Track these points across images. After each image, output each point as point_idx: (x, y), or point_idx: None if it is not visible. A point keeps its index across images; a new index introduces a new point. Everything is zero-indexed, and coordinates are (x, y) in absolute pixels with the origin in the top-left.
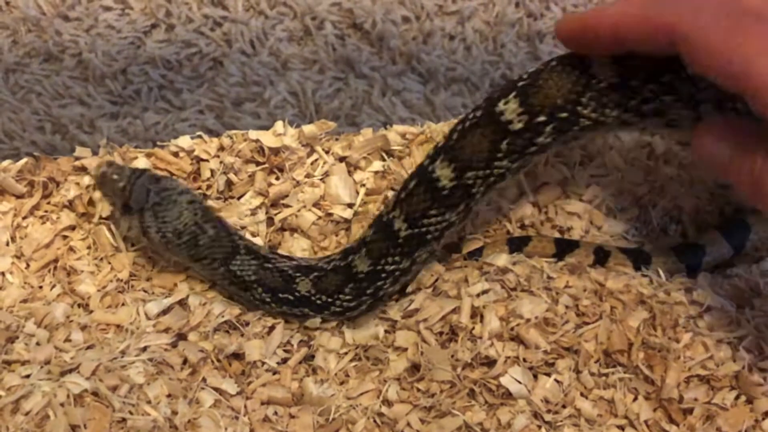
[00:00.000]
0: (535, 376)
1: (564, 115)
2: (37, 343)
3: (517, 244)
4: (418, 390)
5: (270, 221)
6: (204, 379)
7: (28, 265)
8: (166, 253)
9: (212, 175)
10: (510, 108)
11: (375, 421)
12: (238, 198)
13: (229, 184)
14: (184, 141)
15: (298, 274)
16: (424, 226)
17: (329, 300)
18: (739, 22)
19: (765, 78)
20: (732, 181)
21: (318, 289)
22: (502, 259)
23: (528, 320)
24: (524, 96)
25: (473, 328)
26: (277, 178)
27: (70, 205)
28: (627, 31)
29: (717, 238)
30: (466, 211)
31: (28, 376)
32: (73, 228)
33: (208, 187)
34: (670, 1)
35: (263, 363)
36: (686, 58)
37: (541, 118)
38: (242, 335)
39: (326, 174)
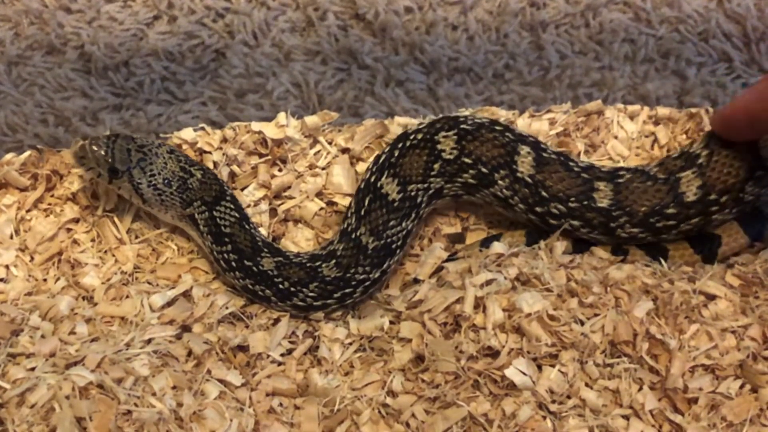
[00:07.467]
0: (540, 367)
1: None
2: (42, 336)
3: (535, 237)
4: (423, 381)
5: (273, 212)
6: (209, 371)
7: (32, 258)
8: (161, 208)
9: (215, 167)
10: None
11: (380, 411)
12: (242, 189)
13: (233, 175)
14: (187, 133)
15: (265, 250)
16: (388, 237)
17: (292, 289)
18: None
19: None
20: None
21: (280, 273)
22: (506, 250)
23: (532, 311)
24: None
25: (476, 319)
26: (280, 170)
27: (73, 198)
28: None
29: (734, 228)
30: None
31: (33, 369)
32: (77, 221)
33: None
34: None
35: (268, 355)
36: None
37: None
38: (247, 327)
39: (329, 165)
